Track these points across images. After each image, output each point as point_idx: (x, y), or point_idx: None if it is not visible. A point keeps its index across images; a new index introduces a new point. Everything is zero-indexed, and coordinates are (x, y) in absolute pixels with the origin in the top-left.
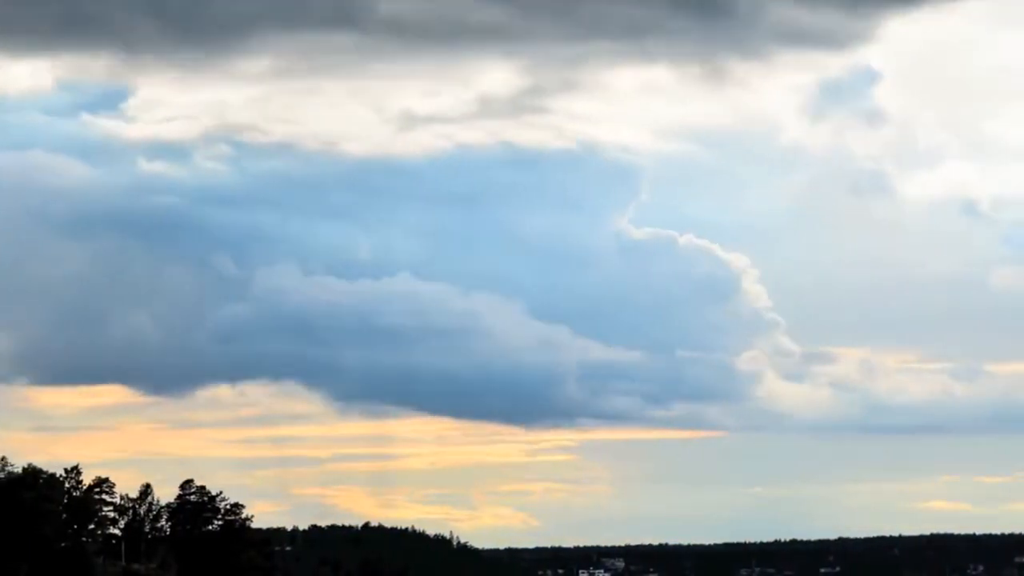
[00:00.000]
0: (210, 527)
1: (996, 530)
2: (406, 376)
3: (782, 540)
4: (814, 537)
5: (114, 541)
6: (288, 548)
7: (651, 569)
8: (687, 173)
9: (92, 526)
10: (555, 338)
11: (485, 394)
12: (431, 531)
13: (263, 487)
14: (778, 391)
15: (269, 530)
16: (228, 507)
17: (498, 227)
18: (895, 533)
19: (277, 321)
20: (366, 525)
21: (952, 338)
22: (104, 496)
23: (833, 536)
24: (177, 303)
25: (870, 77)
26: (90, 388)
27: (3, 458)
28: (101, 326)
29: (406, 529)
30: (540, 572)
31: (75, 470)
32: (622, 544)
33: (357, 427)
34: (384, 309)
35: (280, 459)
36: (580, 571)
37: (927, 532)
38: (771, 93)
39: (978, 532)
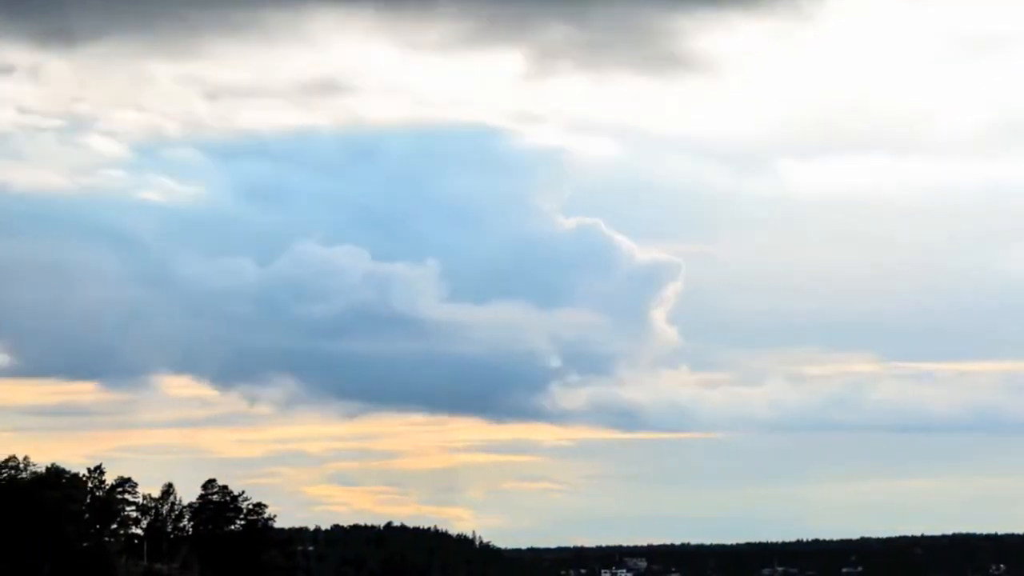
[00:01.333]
0: (232, 527)
1: (1018, 530)
2: (385, 369)
3: (804, 540)
4: (836, 537)
5: (136, 541)
6: (311, 548)
7: (673, 569)
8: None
9: (115, 526)
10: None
11: (471, 390)
12: (453, 531)
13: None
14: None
15: (291, 530)
16: (250, 507)
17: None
18: (917, 533)
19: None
20: (388, 525)
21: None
22: (127, 496)
23: (855, 536)
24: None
25: None
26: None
27: (26, 457)
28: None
29: (428, 529)
30: (562, 572)
31: (98, 470)
32: (644, 544)
33: (343, 425)
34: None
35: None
36: (602, 571)
37: (949, 532)
38: None
39: (1000, 532)
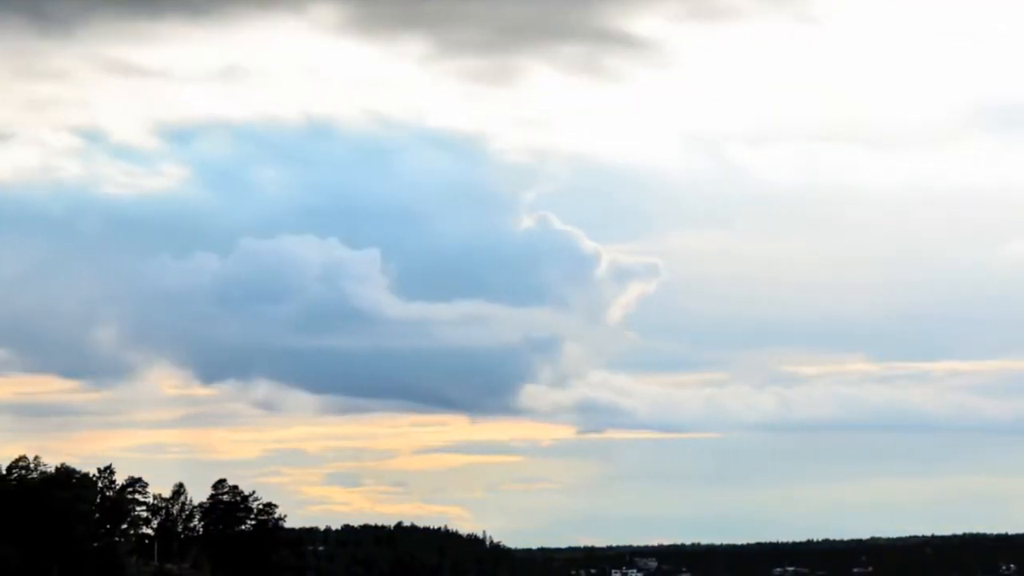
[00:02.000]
0: (243, 527)
1: None
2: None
3: (815, 540)
4: (846, 537)
5: (147, 541)
6: (321, 548)
7: (684, 569)
8: None
9: (125, 526)
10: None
11: (455, 385)
12: (463, 530)
13: None
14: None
15: (302, 530)
16: (261, 507)
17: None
18: (927, 532)
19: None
20: (399, 525)
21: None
22: (137, 496)
23: (865, 536)
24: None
25: None
26: None
27: (36, 457)
28: None
29: (439, 528)
30: (573, 572)
31: (108, 470)
32: (655, 544)
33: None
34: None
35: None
36: (613, 571)
37: (959, 531)
38: None
39: (1010, 531)
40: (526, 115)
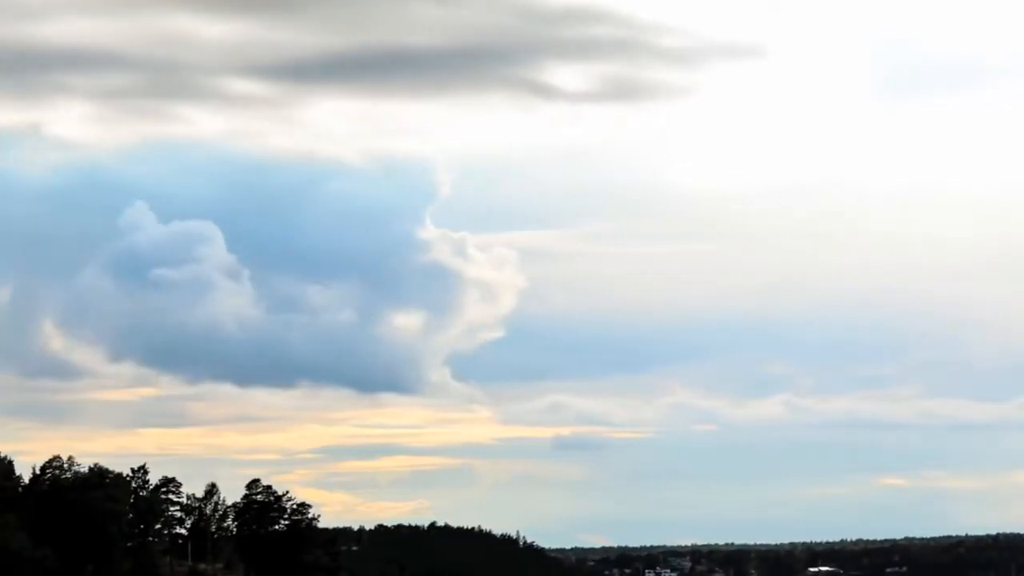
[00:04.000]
0: (276, 527)
1: None
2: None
3: (848, 540)
4: (880, 537)
5: (180, 541)
6: (354, 548)
7: (717, 569)
8: None
9: (159, 526)
10: None
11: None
12: (497, 531)
13: None
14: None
15: (335, 530)
16: (294, 507)
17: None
18: (961, 533)
19: None
20: (432, 524)
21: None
22: (171, 496)
23: (899, 536)
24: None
25: None
26: None
27: (70, 458)
28: None
29: (472, 529)
30: (606, 572)
31: (142, 470)
32: (688, 544)
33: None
34: None
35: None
36: (647, 571)
37: (993, 531)
38: None
39: None
40: None
